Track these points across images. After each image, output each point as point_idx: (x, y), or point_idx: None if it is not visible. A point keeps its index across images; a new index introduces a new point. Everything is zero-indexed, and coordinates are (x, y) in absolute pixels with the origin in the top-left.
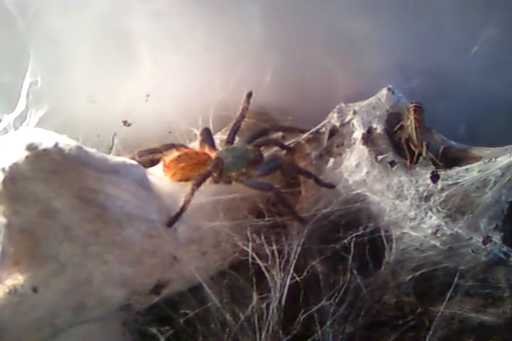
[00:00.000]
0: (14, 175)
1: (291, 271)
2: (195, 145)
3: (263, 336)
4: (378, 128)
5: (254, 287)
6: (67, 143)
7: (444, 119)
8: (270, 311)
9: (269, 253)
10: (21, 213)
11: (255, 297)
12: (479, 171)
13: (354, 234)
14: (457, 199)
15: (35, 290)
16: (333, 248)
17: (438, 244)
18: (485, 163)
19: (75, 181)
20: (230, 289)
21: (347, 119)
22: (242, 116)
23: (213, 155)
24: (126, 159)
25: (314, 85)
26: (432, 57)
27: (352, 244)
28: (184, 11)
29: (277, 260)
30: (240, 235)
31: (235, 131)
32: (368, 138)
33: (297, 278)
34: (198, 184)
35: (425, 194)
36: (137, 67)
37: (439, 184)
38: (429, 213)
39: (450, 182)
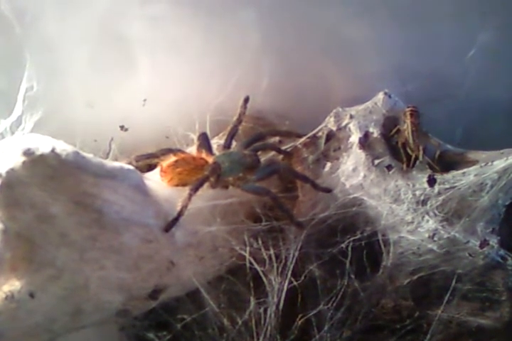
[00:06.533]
0: (11, 180)
1: (289, 275)
2: (192, 150)
3: None
4: (375, 132)
5: (251, 291)
6: (63, 148)
7: (441, 123)
8: (268, 316)
9: (266, 257)
10: (18, 218)
11: (253, 301)
12: (476, 175)
13: (351, 238)
14: (454, 203)
15: (32, 295)
16: (330, 252)
17: (435, 247)
18: (481, 166)
19: (72, 186)
20: (228, 294)
21: (344, 123)
22: (239, 120)
23: (210, 160)
24: (123, 164)
25: (311, 90)
26: (428, 61)
27: (349, 248)
28: (181, 16)
29: (275, 264)
30: (238, 240)
31: (232, 136)
32: (365, 142)
33: (295, 283)
34: (195, 189)
35: (422, 198)
36: (134, 72)
37: (436, 188)
38: (426, 217)
39: (447, 186)
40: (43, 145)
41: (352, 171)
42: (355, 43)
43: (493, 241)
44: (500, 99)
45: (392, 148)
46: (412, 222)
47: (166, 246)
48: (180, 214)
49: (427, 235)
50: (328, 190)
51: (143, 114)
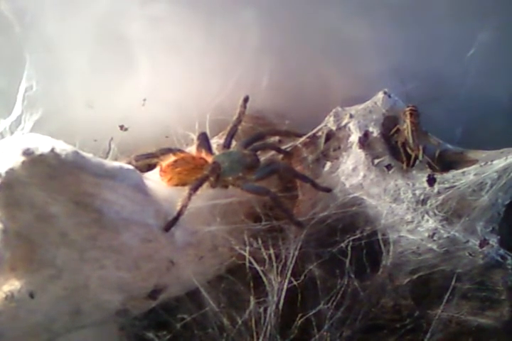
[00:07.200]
0: (11, 180)
1: (289, 274)
2: (192, 149)
3: (260, 340)
4: (375, 131)
5: (251, 291)
6: (63, 148)
7: (441, 122)
8: (268, 315)
9: (266, 257)
10: (18, 218)
11: (253, 301)
12: (476, 174)
13: (351, 238)
14: (454, 203)
15: (32, 295)
16: (330, 252)
17: (435, 247)
18: (481, 166)
19: (72, 186)
20: (228, 293)
21: (343, 123)
22: (239, 120)
23: (210, 159)
24: (123, 164)
25: (311, 89)
26: (428, 60)
27: (349, 248)
28: (181, 16)
29: (274, 264)
30: (237, 239)
31: (231, 136)
32: (365, 141)
33: (294, 282)
34: (195, 188)
35: (422, 197)
36: (134, 72)
37: (436, 187)
38: (426, 216)
39: (446, 185)
40: (43, 145)
41: (352, 171)
42: (355, 43)
43: (493, 240)
44: (499, 98)
45: (392, 148)
46: (412, 222)
47: (165, 246)
48: (180, 213)
49: (426, 234)
50: (328, 190)
51: (143, 114)
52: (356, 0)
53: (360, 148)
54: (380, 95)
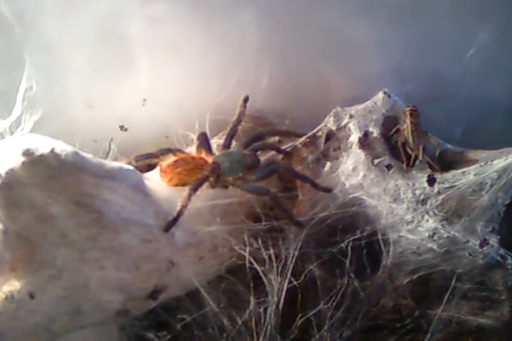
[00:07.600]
0: (11, 180)
1: (289, 275)
2: (191, 149)
3: (260, 340)
4: (375, 131)
5: (251, 291)
6: (63, 148)
7: (440, 122)
8: (268, 315)
9: (266, 257)
10: (18, 219)
11: (253, 301)
12: (475, 174)
13: (351, 238)
14: (454, 203)
15: (32, 296)
16: (330, 252)
17: (435, 247)
18: (481, 165)
19: (72, 187)
20: (228, 294)
21: (343, 123)
22: (239, 120)
23: (210, 159)
24: (123, 164)
25: (311, 89)
26: (428, 60)
27: (349, 248)
28: (181, 16)
29: (275, 264)
30: (237, 239)
31: (231, 136)
32: (365, 141)
33: (295, 282)
34: (195, 189)
35: (422, 197)
36: (134, 72)
37: (436, 187)
38: (426, 216)
39: (446, 185)
40: (43, 145)
41: (352, 171)
42: (355, 43)
43: (493, 240)
44: (499, 98)
45: (392, 148)
46: (412, 222)
47: (165, 246)
48: (179, 214)
49: (426, 234)
50: (328, 190)
51: (142, 114)
52: (356, 0)
53: (360, 148)
54: (380, 95)
